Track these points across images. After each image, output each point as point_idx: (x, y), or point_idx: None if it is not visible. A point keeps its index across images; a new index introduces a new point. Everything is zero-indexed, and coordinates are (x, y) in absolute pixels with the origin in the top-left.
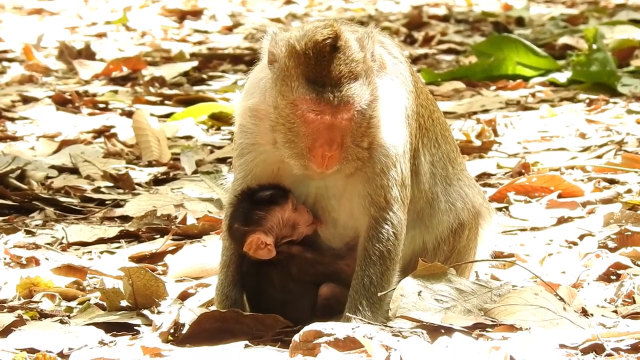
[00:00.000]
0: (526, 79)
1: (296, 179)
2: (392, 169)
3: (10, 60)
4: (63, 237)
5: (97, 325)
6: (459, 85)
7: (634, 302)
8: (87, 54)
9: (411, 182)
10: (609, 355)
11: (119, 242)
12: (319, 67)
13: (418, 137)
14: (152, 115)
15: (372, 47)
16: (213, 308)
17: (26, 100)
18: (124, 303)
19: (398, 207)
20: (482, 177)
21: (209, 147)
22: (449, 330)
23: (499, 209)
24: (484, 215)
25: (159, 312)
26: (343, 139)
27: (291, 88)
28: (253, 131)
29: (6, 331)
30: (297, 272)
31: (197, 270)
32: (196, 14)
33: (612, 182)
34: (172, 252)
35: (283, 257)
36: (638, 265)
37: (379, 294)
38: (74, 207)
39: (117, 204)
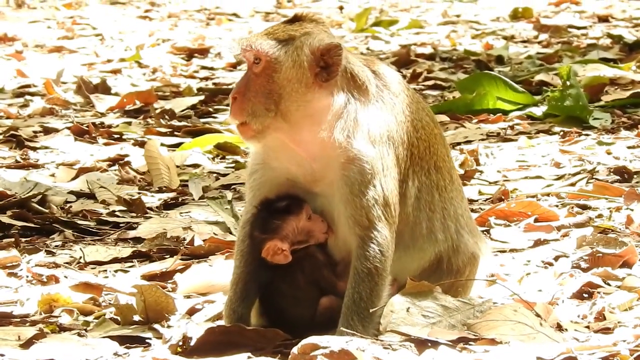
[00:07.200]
0: (505, 112)
1: (303, 193)
2: (370, 188)
3: (32, 94)
4: (81, 257)
5: (112, 338)
6: (444, 118)
7: (605, 318)
8: (103, 88)
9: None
10: None
11: (132, 262)
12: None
13: (409, 165)
14: (162, 145)
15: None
16: (219, 322)
17: (47, 131)
18: (136, 318)
19: (382, 225)
20: None
21: (215, 175)
22: (435, 344)
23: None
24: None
25: (168, 326)
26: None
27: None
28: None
29: (28, 343)
30: (309, 270)
31: (204, 288)
32: (203, 52)
33: (584, 207)
34: (181, 271)
35: (298, 257)
36: (608, 284)
37: (370, 311)
38: (90, 229)
39: (130, 227)
